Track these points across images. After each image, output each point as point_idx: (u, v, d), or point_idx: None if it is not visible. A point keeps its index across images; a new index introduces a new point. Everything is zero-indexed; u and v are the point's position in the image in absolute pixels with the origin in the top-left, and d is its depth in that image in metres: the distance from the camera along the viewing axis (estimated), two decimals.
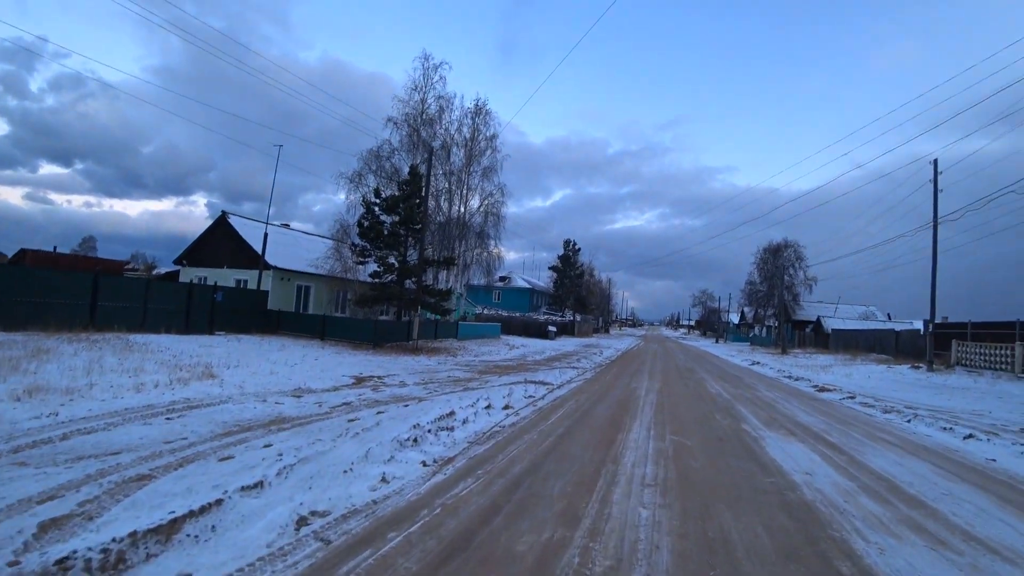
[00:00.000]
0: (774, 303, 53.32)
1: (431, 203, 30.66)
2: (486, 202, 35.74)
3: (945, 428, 9.81)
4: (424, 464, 5.87)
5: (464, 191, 34.83)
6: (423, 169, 23.90)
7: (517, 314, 51.84)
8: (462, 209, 34.72)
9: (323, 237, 27.38)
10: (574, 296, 61.81)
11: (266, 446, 5.97)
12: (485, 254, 37.12)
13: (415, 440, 6.66)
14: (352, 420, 7.63)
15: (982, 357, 20.22)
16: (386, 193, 24.54)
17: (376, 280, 23.50)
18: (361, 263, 24.26)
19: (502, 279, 67.25)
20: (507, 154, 35.67)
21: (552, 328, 43.29)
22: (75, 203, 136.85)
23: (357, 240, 24.00)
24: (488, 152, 35.23)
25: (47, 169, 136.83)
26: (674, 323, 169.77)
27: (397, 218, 23.35)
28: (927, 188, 22.82)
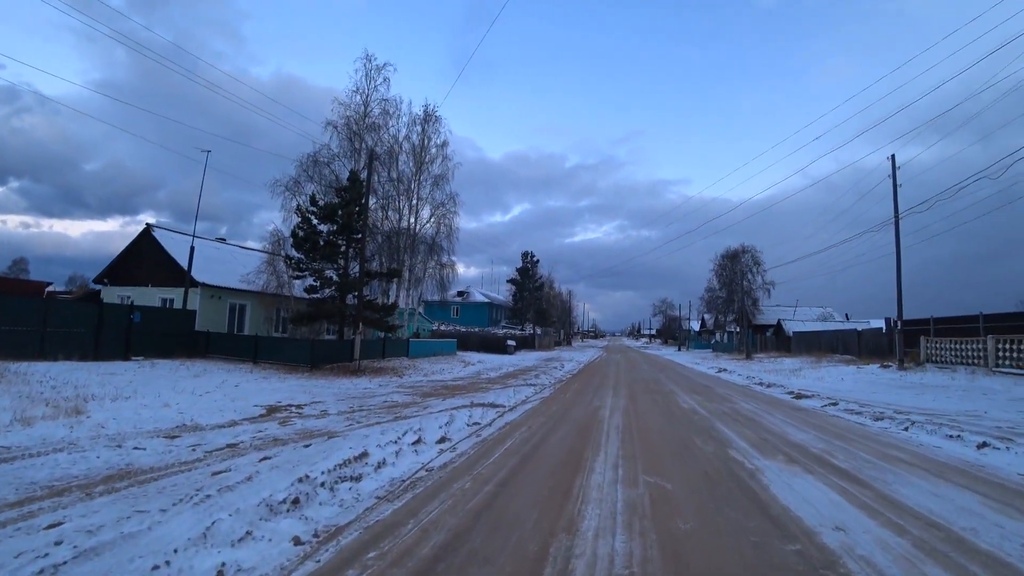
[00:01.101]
0: (734, 308, 52.97)
1: (377, 213, 28.66)
2: (438, 212, 33.93)
3: (951, 436, 8.53)
4: (297, 541, 4.00)
5: (414, 201, 32.93)
6: (365, 174, 21.94)
7: (476, 329, 49.97)
8: (412, 220, 32.78)
9: (259, 251, 24.96)
10: (534, 309, 60.32)
11: (51, 526, 4.01)
12: (438, 268, 35.25)
13: (296, 500, 4.78)
14: (219, 473, 5.67)
15: (952, 353, 19.44)
16: (325, 201, 22.44)
17: (313, 296, 21.29)
18: (298, 277, 22.03)
19: (460, 294, 65.31)
20: (459, 162, 33.96)
21: (511, 342, 41.56)
22: (10, 223, 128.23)
23: (292, 252, 21.81)
24: (439, 160, 33.47)
25: None
26: (635, 333, 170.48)
27: (335, 227, 21.29)
28: (871, 194, 22.24)
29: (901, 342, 20.71)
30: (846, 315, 56.54)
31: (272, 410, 10.52)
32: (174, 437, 7.56)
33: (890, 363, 22.09)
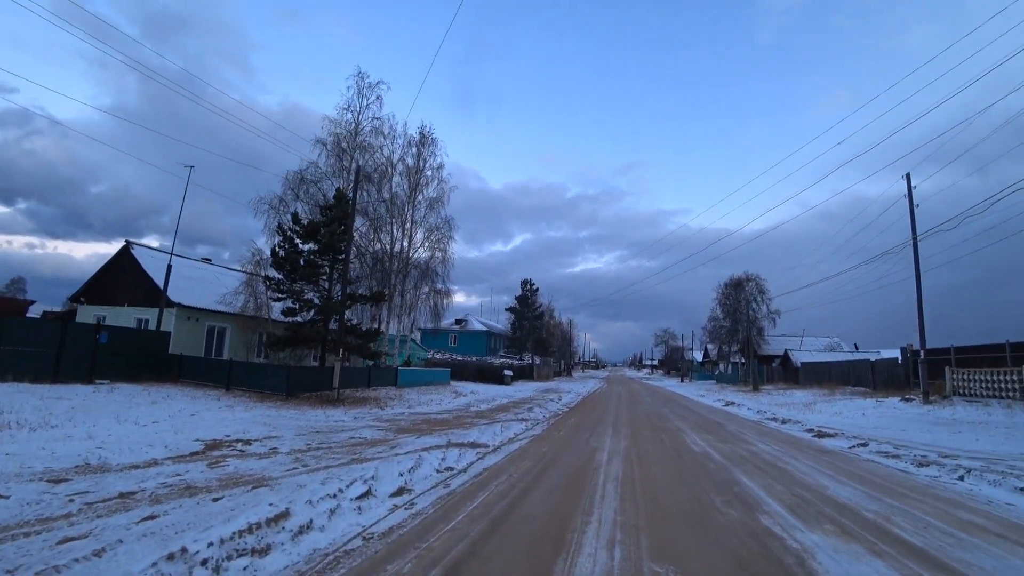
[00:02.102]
0: (739, 338, 51.35)
1: (368, 234, 27.42)
2: (432, 236, 32.71)
3: (1021, 488, 7.04)
4: None
5: (408, 224, 31.74)
6: (352, 193, 20.71)
7: (473, 358, 48.31)
8: (405, 244, 31.54)
9: (242, 271, 23.52)
10: (533, 338, 58.73)
11: None
12: (432, 294, 33.86)
13: None
14: (68, 540, 4.18)
15: (982, 385, 17.83)
16: (309, 220, 21.16)
17: (292, 319, 19.82)
18: (278, 299, 20.60)
19: (458, 322, 63.79)
20: (455, 185, 32.91)
21: (508, 372, 39.88)
22: (15, 244, 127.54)
23: (273, 273, 20.45)
24: (435, 183, 32.42)
25: None
26: (637, 363, 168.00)
27: (317, 246, 19.96)
28: (872, 225, 20.96)
29: (925, 373, 19.10)
30: (855, 345, 54.76)
31: (212, 446, 8.98)
32: (60, 481, 6.04)
33: (911, 396, 20.47)
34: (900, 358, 28.90)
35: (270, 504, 5.30)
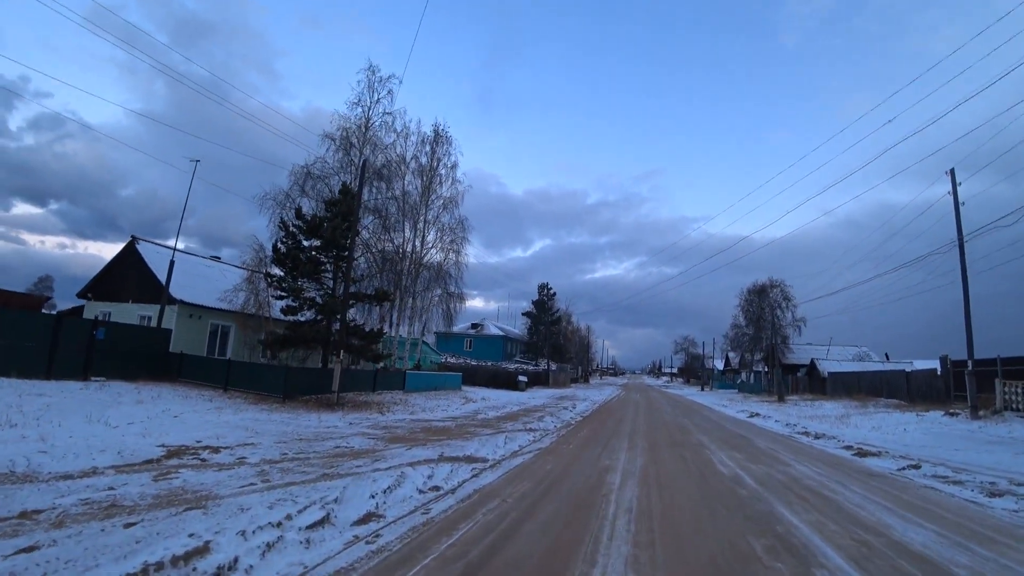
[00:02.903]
0: (762, 347, 49.46)
1: (379, 233, 26.52)
2: (446, 238, 31.77)
3: None
4: None
5: (420, 224, 30.84)
6: (358, 187, 19.79)
7: (488, 363, 47.22)
8: (418, 244, 30.64)
9: (244, 268, 22.69)
10: (550, 344, 57.43)
11: None
12: (445, 297, 32.89)
13: None
14: None
15: None
16: (314, 214, 20.29)
17: (292, 318, 18.90)
18: (280, 298, 19.70)
19: (474, 326, 62.81)
20: (469, 185, 31.98)
21: (523, 378, 38.67)
22: (48, 244, 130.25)
23: (275, 270, 19.60)
24: (449, 182, 31.54)
25: (21, 208, 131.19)
26: (656, 371, 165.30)
27: (319, 242, 19.06)
28: (901, 232, 19.40)
29: (974, 385, 17.47)
30: (886, 355, 52.44)
31: (174, 453, 7.98)
32: None
33: (956, 410, 18.83)
34: (940, 369, 27.10)
35: (190, 535, 4.22)
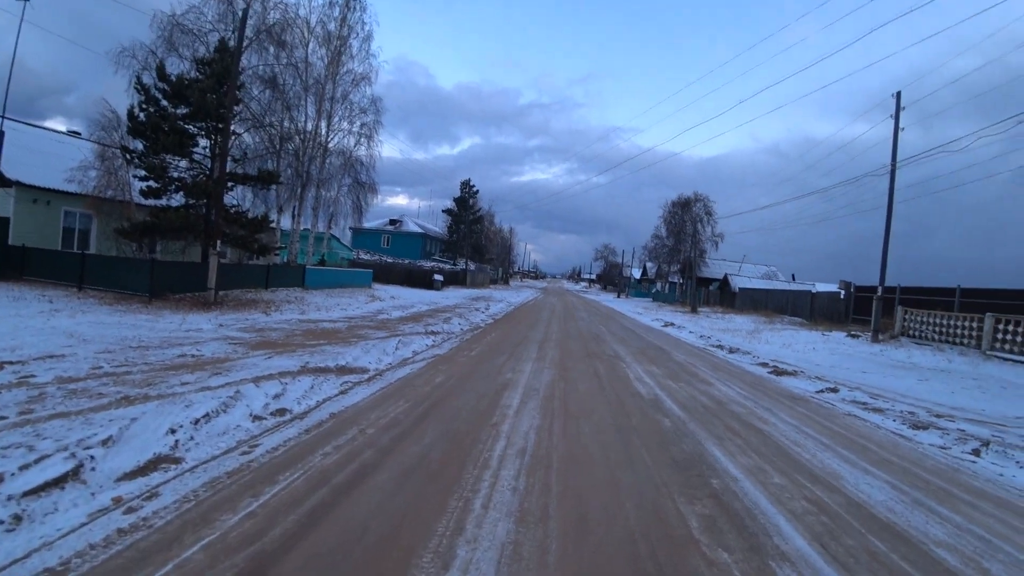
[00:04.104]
0: (680, 258, 50.27)
1: (271, 106, 22.83)
2: (357, 121, 28.25)
3: None
4: None
5: (328, 104, 27.08)
6: (236, 41, 16.19)
7: (405, 261, 45.10)
8: (324, 126, 27.03)
9: (99, 143, 18.50)
10: (470, 243, 55.72)
11: None
12: (356, 187, 29.86)
13: None
14: None
15: (935, 328, 16.52)
16: (178, 76, 16.59)
17: (154, 202, 15.82)
18: (144, 178, 16.27)
19: (392, 223, 59.69)
20: (385, 61, 28.22)
21: (438, 277, 37.07)
22: None
23: (135, 143, 16.12)
24: (361, 56, 27.50)
25: None
26: (576, 276, 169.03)
27: (187, 110, 15.73)
28: (817, 165, 18.67)
29: (880, 311, 17.65)
30: (792, 276, 54.94)
31: None
32: None
33: (857, 332, 19.24)
34: (843, 293, 28.07)
35: None
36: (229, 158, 16.69)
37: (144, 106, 15.49)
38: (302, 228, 27.54)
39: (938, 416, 7.72)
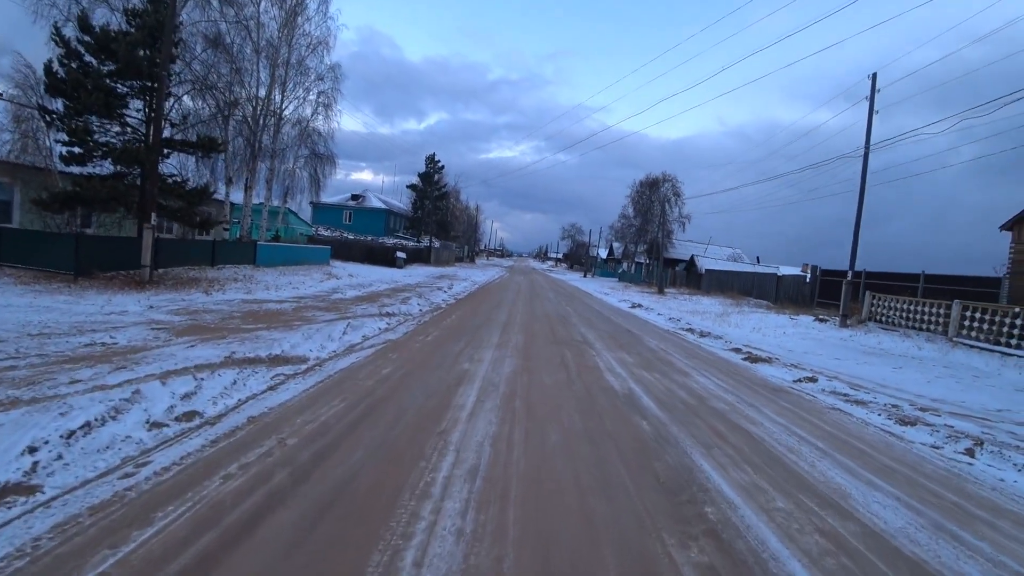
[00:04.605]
0: (647, 239, 50.07)
1: (216, 68, 21.12)
2: (314, 88, 26.63)
3: None
4: None
5: (283, 69, 25.36)
6: None
7: (368, 238, 43.60)
8: (278, 95, 25.37)
9: (15, 103, 16.55)
10: (435, 220, 54.29)
11: None
12: (313, 159, 28.32)
13: None
14: None
15: (901, 314, 16.40)
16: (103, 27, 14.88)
17: (78, 169, 14.22)
18: (68, 143, 14.60)
19: (355, 198, 57.67)
20: (344, 24, 26.49)
21: (401, 255, 35.84)
22: None
23: (52, 102, 14.46)
24: (318, 18, 25.80)
25: None
26: (542, 255, 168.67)
27: (115, 66, 14.14)
28: (782, 151, 18.30)
29: (849, 296, 17.44)
30: (757, 258, 55.41)
31: None
32: None
33: (824, 316, 19.09)
34: (808, 276, 28.11)
35: None
36: (167, 123, 15.20)
37: (64, 61, 13.85)
38: (255, 202, 25.97)
39: (922, 410, 7.26)
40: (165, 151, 14.21)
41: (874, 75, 17.86)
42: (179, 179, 15.39)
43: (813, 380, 8.79)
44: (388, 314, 11.68)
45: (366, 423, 4.51)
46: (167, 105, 16.11)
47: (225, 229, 23.27)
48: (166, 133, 15.04)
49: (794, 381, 8.66)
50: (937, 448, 5.62)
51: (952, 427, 6.41)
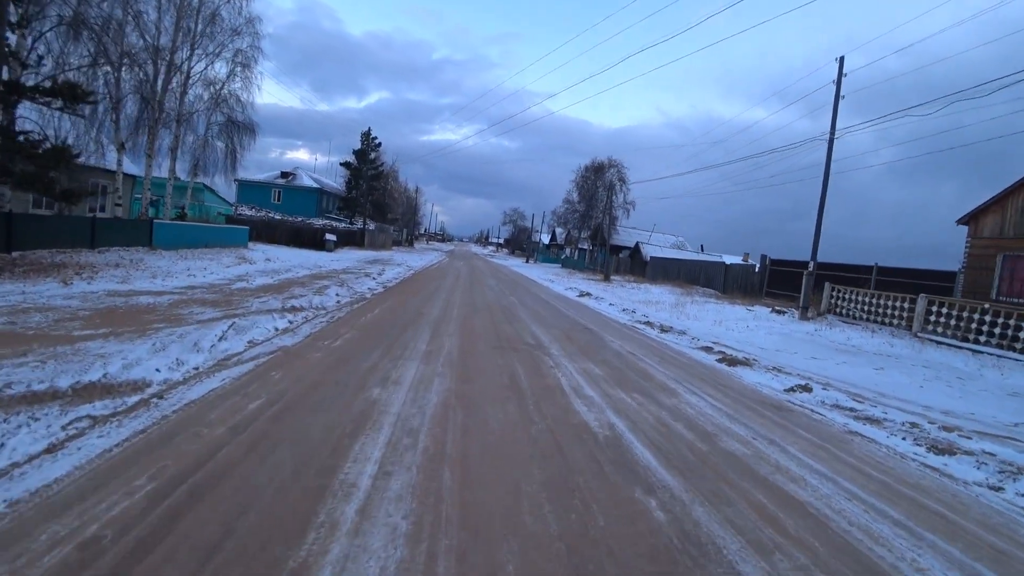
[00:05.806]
0: (591, 225, 48.98)
1: (113, 12, 17.81)
2: (230, 46, 23.43)
3: None
4: None
5: (194, 22, 22.06)
6: None
7: (297, 218, 40.25)
8: (186, 50, 22.06)
9: None
10: (370, 201, 51.06)
11: None
12: (229, 126, 25.13)
13: None
14: None
15: (862, 307, 15.63)
16: None
17: None
18: None
19: (284, 175, 53.54)
20: None
21: (331, 237, 32.97)
22: None
23: None
24: None
25: None
26: (483, 240, 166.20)
27: None
28: (723, 143, 17.30)
29: (810, 287, 16.49)
30: (701, 246, 55.41)
31: None
32: None
33: (781, 308, 18.16)
34: (757, 266, 27.57)
35: None
36: (16, 62, 12.16)
37: None
38: (158, 175, 22.64)
39: (946, 429, 5.92)
40: (12, 98, 11.21)
41: (841, 58, 17.03)
42: (37, 137, 12.38)
43: (807, 390, 7.38)
44: (294, 308, 9.45)
45: (170, 539, 2.48)
46: (25, 43, 13.06)
47: (117, 204, 19.97)
48: (17, 75, 12.03)
49: (786, 391, 7.24)
50: (997, 490, 4.23)
51: (993, 455, 5.16)
